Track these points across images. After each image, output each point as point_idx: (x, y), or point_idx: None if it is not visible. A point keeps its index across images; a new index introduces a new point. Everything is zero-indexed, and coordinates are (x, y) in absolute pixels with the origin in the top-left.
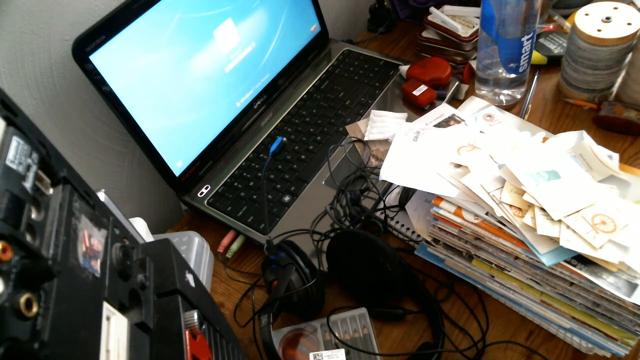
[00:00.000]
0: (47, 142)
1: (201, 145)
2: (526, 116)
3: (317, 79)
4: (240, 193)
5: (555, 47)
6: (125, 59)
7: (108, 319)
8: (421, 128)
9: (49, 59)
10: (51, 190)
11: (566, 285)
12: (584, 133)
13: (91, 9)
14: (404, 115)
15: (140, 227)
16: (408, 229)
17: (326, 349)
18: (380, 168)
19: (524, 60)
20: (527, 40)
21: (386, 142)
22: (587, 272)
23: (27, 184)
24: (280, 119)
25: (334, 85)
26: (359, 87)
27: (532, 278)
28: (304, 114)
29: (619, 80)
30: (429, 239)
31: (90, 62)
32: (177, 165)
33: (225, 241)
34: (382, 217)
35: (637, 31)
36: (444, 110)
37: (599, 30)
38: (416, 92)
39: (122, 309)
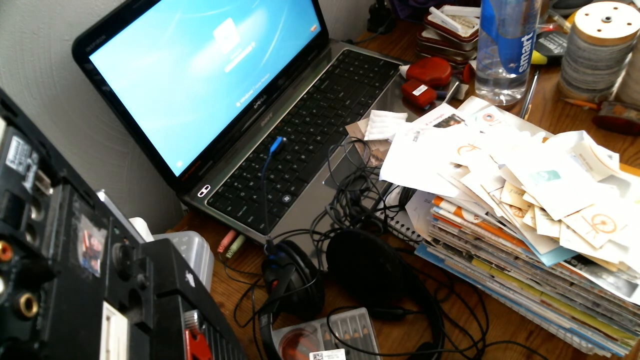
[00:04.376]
0: (47, 142)
1: (201, 145)
2: (526, 116)
3: (317, 79)
4: (240, 193)
5: (555, 47)
6: (125, 59)
7: (108, 319)
8: (421, 128)
9: (49, 59)
10: (51, 190)
11: (566, 285)
12: (584, 133)
13: (91, 9)
14: (404, 115)
15: (140, 227)
16: (408, 229)
17: (326, 349)
18: (380, 168)
19: (524, 60)
20: (527, 40)
21: (386, 142)
22: (587, 272)
23: (27, 184)
24: (280, 119)
25: (334, 85)
26: (359, 87)
27: (532, 278)
28: (304, 114)
29: (619, 80)
30: (429, 239)
31: (90, 62)
32: (177, 165)
33: (225, 241)
34: (382, 217)
35: (637, 31)
36: (444, 110)
37: (599, 30)
38: (416, 92)
39: (122, 309)
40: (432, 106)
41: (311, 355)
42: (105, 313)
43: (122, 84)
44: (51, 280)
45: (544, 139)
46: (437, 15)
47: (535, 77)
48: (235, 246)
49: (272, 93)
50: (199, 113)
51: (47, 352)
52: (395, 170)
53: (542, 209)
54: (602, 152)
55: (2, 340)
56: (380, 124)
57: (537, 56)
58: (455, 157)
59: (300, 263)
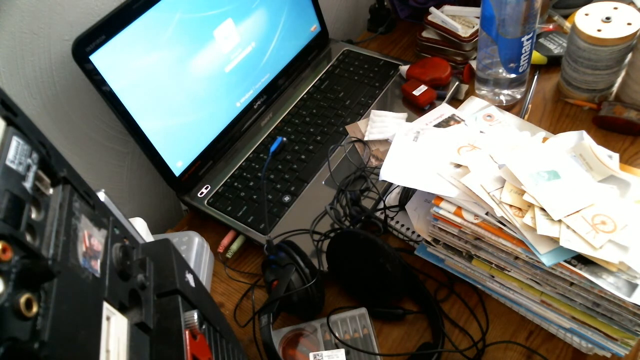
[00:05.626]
0: (47, 142)
1: (201, 145)
2: (526, 116)
3: (317, 79)
4: (240, 193)
5: (555, 47)
6: (125, 59)
7: (108, 319)
8: (421, 128)
9: (49, 59)
10: (51, 190)
11: (566, 285)
12: (584, 133)
13: (91, 9)
14: (404, 115)
15: (140, 227)
16: (408, 229)
17: (326, 349)
18: (380, 168)
19: (524, 60)
20: (527, 40)
21: (386, 142)
22: (587, 272)
23: (27, 184)
24: (280, 119)
25: (334, 85)
26: (359, 87)
27: (532, 278)
28: (304, 114)
29: (619, 80)
30: (429, 239)
31: (90, 62)
32: (177, 165)
33: (225, 241)
34: (382, 217)
35: (637, 31)
36: (444, 110)
37: (599, 30)
38: (416, 92)
39: (122, 309)
40: (432, 106)
41: (311, 355)
42: (105, 313)
43: (122, 84)
44: (51, 280)
45: (544, 139)
46: (437, 15)
47: (535, 77)
48: (235, 246)
49: (272, 93)
50: (199, 113)
51: (47, 352)
52: (395, 170)
53: (542, 209)
54: (602, 152)
55: (2, 340)
56: (380, 124)
57: (537, 56)
58: (455, 157)
59: (300, 263)
